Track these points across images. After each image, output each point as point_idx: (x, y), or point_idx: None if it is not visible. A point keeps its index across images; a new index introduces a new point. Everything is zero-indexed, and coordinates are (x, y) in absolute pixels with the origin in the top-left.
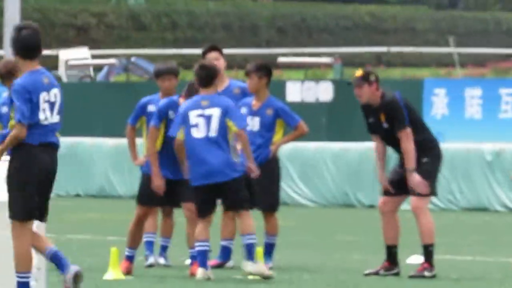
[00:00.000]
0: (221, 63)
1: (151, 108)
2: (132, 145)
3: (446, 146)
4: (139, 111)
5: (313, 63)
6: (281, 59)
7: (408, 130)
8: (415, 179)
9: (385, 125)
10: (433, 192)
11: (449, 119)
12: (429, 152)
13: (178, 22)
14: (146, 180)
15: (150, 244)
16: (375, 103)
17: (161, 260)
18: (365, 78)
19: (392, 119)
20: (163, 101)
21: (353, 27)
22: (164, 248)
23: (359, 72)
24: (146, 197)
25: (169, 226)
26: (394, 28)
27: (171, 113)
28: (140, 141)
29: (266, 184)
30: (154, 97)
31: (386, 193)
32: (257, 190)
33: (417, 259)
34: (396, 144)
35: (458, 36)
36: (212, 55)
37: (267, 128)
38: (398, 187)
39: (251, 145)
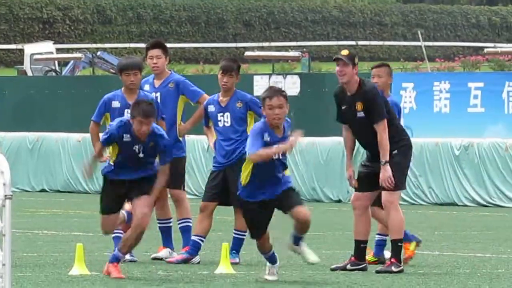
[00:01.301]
0: (161, 61)
1: (115, 104)
2: (96, 141)
3: (414, 140)
4: (103, 108)
5: (280, 57)
6: (248, 53)
7: (385, 122)
8: (388, 173)
9: (361, 114)
10: (402, 186)
11: (417, 113)
12: (399, 145)
13: (143, 16)
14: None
15: (118, 239)
16: (351, 89)
17: (127, 256)
18: (352, 58)
19: (370, 108)
20: (115, 125)
21: (321, 21)
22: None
23: (346, 51)
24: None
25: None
26: (362, 22)
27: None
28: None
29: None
30: (117, 92)
31: (357, 189)
32: (233, 186)
33: (385, 254)
34: (365, 136)
35: (427, 30)
36: (154, 52)
37: (239, 122)
38: (369, 182)
39: (227, 141)
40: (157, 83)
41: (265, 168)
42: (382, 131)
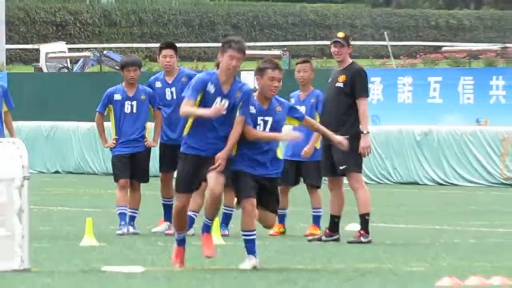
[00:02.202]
0: (173, 60)
1: (117, 96)
2: (101, 130)
3: (381, 127)
4: (106, 100)
5: (264, 55)
6: None
7: (367, 99)
8: (368, 142)
9: (340, 84)
10: (361, 169)
11: (384, 104)
12: (351, 131)
13: (144, 19)
14: (115, 160)
15: (123, 216)
16: (343, 65)
17: (130, 229)
18: (347, 40)
19: (354, 83)
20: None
21: (300, 23)
22: (132, 218)
23: (342, 34)
24: (120, 172)
25: (137, 198)
26: (336, 24)
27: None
28: (107, 125)
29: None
30: (119, 86)
31: (327, 174)
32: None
33: (355, 227)
34: (331, 104)
35: (392, 31)
36: (167, 51)
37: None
38: (333, 168)
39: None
40: (169, 79)
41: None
42: (364, 105)
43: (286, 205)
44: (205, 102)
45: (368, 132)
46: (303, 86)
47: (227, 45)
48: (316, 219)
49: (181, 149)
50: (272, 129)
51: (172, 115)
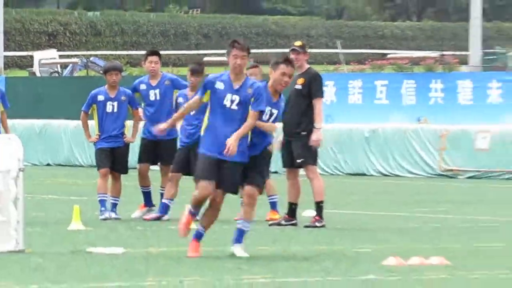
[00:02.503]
0: (158, 65)
1: (100, 97)
2: (86, 127)
3: (334, 125)
4: (91, 100)
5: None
6: (206, 58)
7: (322, 100)
8: (320, 136)
9: (298, 86)
10: (316, 161)
11: (336, 105)
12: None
13: (126, 29)
14: (98, 153)
15: (103, 202)
16: (301, 70)
17: (113, 215)
18: (303, 48)
19: (311, 85)
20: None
21: (263, 33)
22: (114, 205)
23: (299, 42)
24: (102, 163)
25: (118, 187)
26: (294, 34)
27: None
28: (91, 123)
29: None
30: (102, 89)
31: (286, 165)
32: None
33: (311, 213)
34: (292, 105)
35: (344, 40)
36: (153, 58)
37: (202, 111)
38: (291, 160)
39: (190, 126)
40: (153, 82)
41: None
42: (320, 104)
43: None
44: (216, 97)
45: (320, 128)
46: None
47: (231, 46)
48: (273, 205)
49: (200, 150)
50: (273, 122)
51: (155, 114)
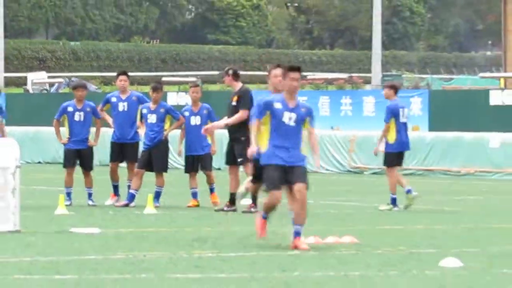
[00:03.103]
0: (127, 83)
1: (70, 109)
2: (58, 131)
3: None
4: (62, 111)
5: (183, 81)
6: (164, 79)
7: (246, 114)
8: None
9: (234, 103)
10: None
11: None
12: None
13: (100, 55)
14: (65, 152)
15: (69, 194)
16: (234, 89)
17: (90, 202)
18: (226, 72)
19: (241, 101)
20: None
21: (208, 59)
22: (90, 195)
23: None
24: (67, 162)
25: (89, 180)
26: (233, 60)
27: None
28: (62, 130)
29: (161, 155)
30: (71, 102)
31: (228, 162)
32: (154, 158)
33: (247, 201)
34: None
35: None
36: (123, 77)
37: (161, 120)
38: (233, 157)
39: (151, 132)
40: (123, 96)
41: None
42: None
43: (196, 185)
44: (275, 116)
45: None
46: (194, 102)
47: (288, 70)
48: (213, 190)
49: (263, 161)
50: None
51: (122, 122)
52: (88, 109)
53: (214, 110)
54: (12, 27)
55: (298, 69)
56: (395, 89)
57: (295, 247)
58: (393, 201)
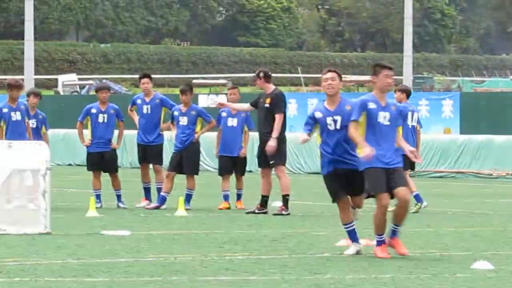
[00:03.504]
0: (150, 85)
1: (93, 110)
2: (81, 134)
3: (296, 134)
4: (85, 113)
5: (214, 83)
6: (195, 81)
7: (282, 115)
8: (274, 143)
9: (267, 105)
10: (284, 163)
11: (298, 118)
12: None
13: (130, 57)
14: (88, 156)
15: (99, 196)
16: (267, 91)
17: (121, 205)
18: (257, 75)
19: (274, 103)
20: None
21: (239, 61)
22: (119, 196)
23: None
24: (90, 166)
25: (117, 182)
26: (264, 62)
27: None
28: (86, 132)
29: (192, 158)
30: (94, 104)
31: (260, 165)
32: (185, 160)
33: (278, 203)
34: (268, 120)
35: (304, 67)
36: (144, 80)
37: (192, 123)
38: (265, 160)
39: (182, 134)
40: (147, 99)
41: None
42: (280, 119)
43: (228, 188)
44: (370, 117)
45: (276, 137)
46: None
47: (380, 67)
48: (239, 196)
49: (364, 165)
50: (342, 126)
51: (146, 124)
52: (111, 111)
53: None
54: (43, 29)
55: (390, 68)
56: (407, 93)
57: (392, 246)
58: (418, 198)
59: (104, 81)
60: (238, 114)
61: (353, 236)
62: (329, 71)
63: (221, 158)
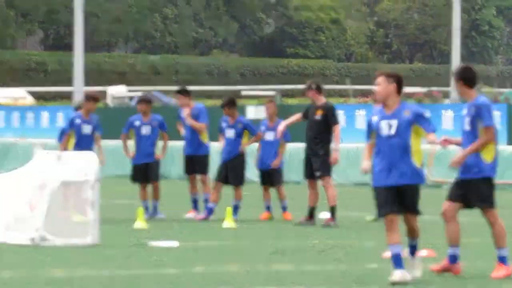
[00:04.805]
0: (185, 100)
1: (136, 123)
2: (125, 146)
3: (344, 145)
4: (128, 125)
5: (262, 95)
6: (244, 92)
7: (339, 127)
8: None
9: (318, 117)
10: (331, 174)
11: (345, 130)
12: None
13: (179, 69)
14: (133, 167)
15: (147, 208)
16: (318, 103)
17: (158, 215)
18: (309, 87)
19: (327, 115)
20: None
21: (287, 72)
22: (155, 208)
23: (308, 83)
24: (135, 177)
25: (156, 193)
26: (312, 73)
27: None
28: (130, 143)
29: (237, 169)
30: (138, 116)
31: (306, 176)
32: (231, 172)
33: (326, 215)
34: (316, 132)
35: (352, 79)
36: (178, 96)
37: (239, 135)
38: (312, 173)
39: (228, 145)
40: (186, 111)
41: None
42: (338, 131)
43: (269, 198)
44: (376, 132)
45: (338, 149)
46: (270, 117)
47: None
48: (285, 208)
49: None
50: (399, 131)
51: (189, 135)
52: (154, 123)
53: (294, 123)
54: (92, 40)
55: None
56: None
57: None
58: None
59: (153, 92)
60: (275, 127)
61: (396, 261)
62: (377, 75)
63: (260, 171)
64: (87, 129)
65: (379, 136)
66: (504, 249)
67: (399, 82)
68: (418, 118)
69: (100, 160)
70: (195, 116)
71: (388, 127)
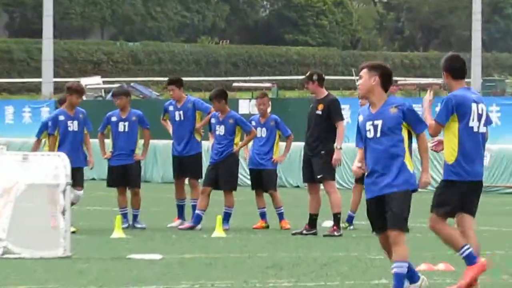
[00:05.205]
0: (177, 92)
1: (113, 118)
2: (102, 146)
3: (349, 144)
4: (106, 122)
5: (257, 87)
6: (235, 84)
7: (344, 123)
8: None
9: (319, 112)
10: (334, 177)
11: (351, 126)
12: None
13: (162, 58)
14: (109, 170)
15: (125, 216)
16: (319, 96)
17: (138, 225)
18: (310, 78)
19: (330, 110)
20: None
21: (285, 62)
22: (135, 217)
23: (308, 73)
24: (111, 181)
25: (136, 200)
26: (314, 63)
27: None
28: (107, 141)
29: (229, 172)
30: (115, 111)
31: (306, 180)
32: (221, 175)
33: (329, 223)
34: (322, 128)
35: (358, 69)
36: (170, 87)
37: (230, 132)
38: (313, 176)
39: (219, 145)
40: (179, 104)
41: None
42: (343, 127)
43: (264, 204)
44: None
45: (340, 148)
46: (263, 113)
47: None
48: (281, 215)
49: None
50: (385, 133)
51: (178, 132)
52: (133, 118)
53: (293, 119)
54: (63, 26)
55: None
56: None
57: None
58: (350, 220)
59: (132, 84)
60: (267, 123)
61: (397, 282)
62: (360, 68)
63: (250, 171)
64: (73, 126)
65: (366, 139)
66: None
67: (385, 75)
68: (407, 115)
69: (89, 161)
70: (191, 110)
71: (373, 129)
